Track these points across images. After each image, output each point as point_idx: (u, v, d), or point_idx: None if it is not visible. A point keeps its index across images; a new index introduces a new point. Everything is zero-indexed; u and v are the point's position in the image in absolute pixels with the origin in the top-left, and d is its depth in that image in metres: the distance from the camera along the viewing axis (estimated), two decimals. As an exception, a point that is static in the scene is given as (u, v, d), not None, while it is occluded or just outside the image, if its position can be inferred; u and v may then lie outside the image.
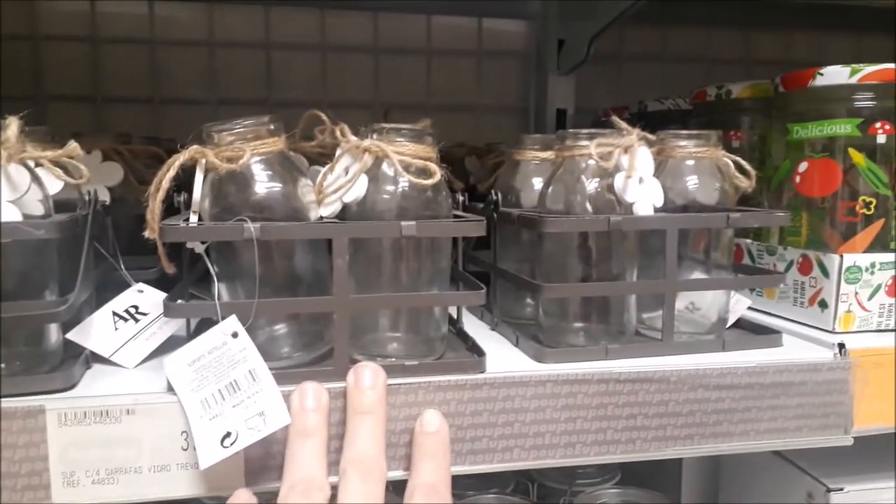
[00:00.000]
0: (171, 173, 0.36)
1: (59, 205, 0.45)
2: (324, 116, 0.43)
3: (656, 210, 0.47)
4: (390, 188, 0.41)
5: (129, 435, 0.38)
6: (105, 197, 0.53)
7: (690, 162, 0.49)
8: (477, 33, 1.08)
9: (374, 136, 0.41)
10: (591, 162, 0.46)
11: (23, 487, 0.38)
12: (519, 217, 0.48)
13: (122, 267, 0.49)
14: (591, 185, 0.48)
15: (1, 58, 0.92)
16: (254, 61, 1.02)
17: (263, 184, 0.39)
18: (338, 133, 0.41)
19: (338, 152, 0.42)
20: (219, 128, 0.38)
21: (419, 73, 1.08)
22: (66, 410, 0.38)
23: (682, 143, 0.49)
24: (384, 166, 0.41)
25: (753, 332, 0.52)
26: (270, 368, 0.41)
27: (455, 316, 0.49)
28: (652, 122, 0.61)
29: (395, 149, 0.40)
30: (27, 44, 0.95)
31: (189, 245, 0.42)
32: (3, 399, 0.37)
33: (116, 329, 0.45)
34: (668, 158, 0.50)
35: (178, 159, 0.36)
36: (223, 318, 0.38)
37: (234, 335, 0.38)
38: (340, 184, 0.40)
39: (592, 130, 0.47)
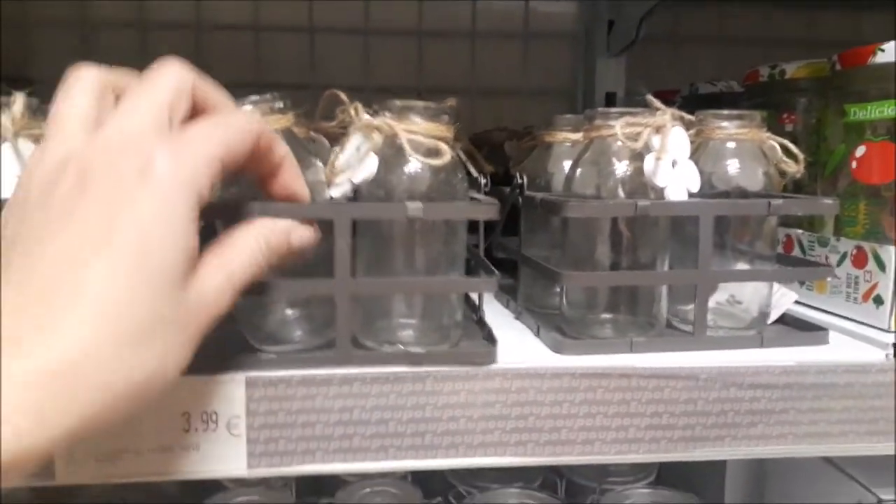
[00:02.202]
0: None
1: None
2: (342, 95, 0.41)
3: (691, 196, 0.44)
4: (401, 169, 0.39)
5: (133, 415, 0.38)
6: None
7: (732, 144, 0.46)
8: (523, 15, 1.05)
9: (388, 114, 0.39)
10: (622, 143, 0.43)
11: (29, 463, 0.38)
12: (542, 201, 0.46)
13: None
14: (622, 167, 0.45)
15: (52, 41, 0.94)
16: (297, 45, 1.01)
17: None
18: (352, 112, 0.39)
19: (350, 131, 0.41)
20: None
21: (464, 56, 1.05)
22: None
23: (723, 123, 0.46)
24: (395, 146, 0.39)
25: (798, 328, 0.48)
26: (273, 352, 0.41)
27: (477, 304, 0.47)
28: (703, 105, 0.57)
29: (406, 127, 0.38)
30: (75, 30, 0.97)
31: None
32: None
33: None
34: (708, 140, 0.47)
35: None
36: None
37: None
38: (350, 164, 0.38)
39: (624, 109, 0.44)
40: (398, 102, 0.39)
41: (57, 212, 0.28)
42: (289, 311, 0.42)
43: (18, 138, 0.38)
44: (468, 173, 0.63)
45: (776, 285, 0.49)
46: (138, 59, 0.37)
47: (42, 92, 0.88)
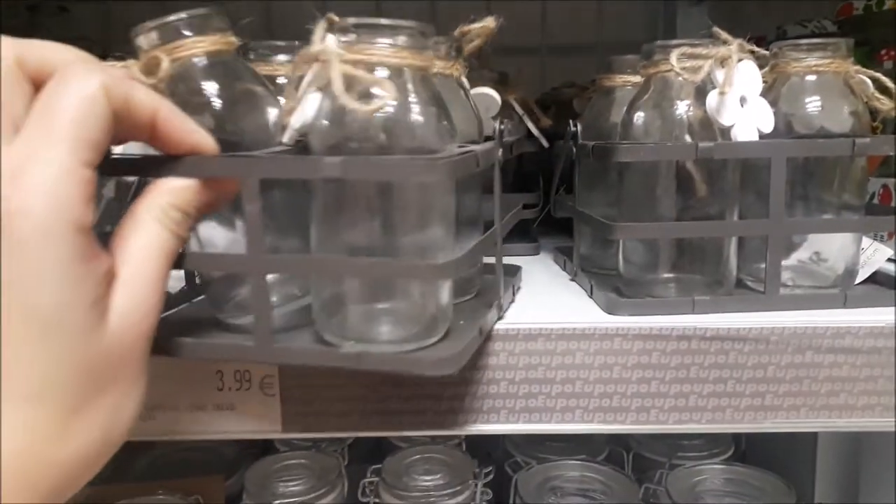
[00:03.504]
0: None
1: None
2: (335, 18, 0.31)
3: (763, 137, 0.39)
4: (345, 112, 0.30)
5: (164, 373, 0.37)
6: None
7: (812, 78, 0.40)
8: (597, -37, 0.99)
9: (345, 37, 0.30)
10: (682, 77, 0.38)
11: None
12: (594, 148, 0.42)
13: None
14: (683, 107, 0.40)
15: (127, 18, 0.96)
16: (365, 4, 1.00)
17: (189, 98, 0.32)
18: (315, 38, 0.30)
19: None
20: (143, 27, 0.32)
21: (533, 11, 1.01)
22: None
23: (801, 55, 0.40)
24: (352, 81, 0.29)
25: (892, 287, 0.42)
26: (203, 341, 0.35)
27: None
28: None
29: (357, 56, 0.29)
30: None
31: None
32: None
33: None
34: (786, 77, 0.41)
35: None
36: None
37: None
38: (292, 105, 0.31)
39: (685, 41, 0.40)
40: (351, 20, 0.30)
41: None
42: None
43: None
44: (527, 129, 0.60)
45: (867, 240, 0.43)
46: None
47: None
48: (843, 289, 0.41)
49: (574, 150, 0.46)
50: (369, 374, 0.34)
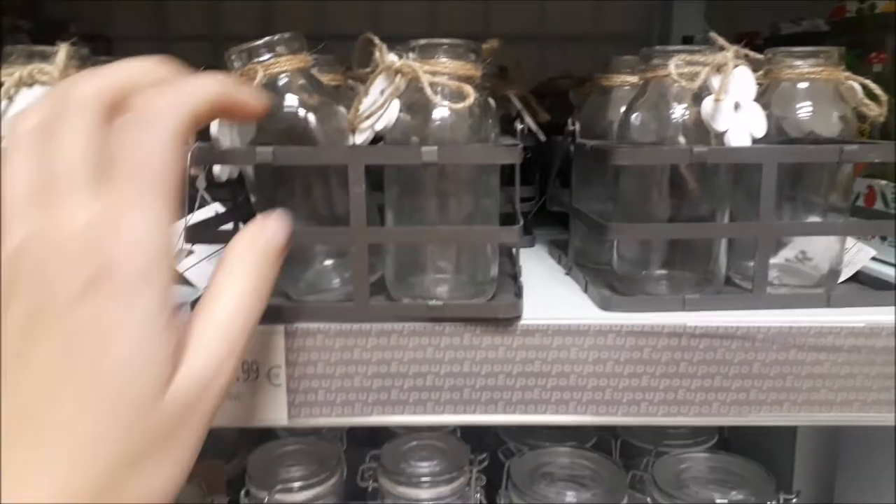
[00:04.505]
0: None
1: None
2: (376, 39, 0.40)
3: (756, 142, 0.40)
4: (425, 113, 0.37)
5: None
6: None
7: (804, 85, 0.42)
8: (595, -46, 1.00)
9: (412, 54, 0.37)
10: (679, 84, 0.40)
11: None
12: (592, 148, 0.43)
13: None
14: (681, 111, 0.42)
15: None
16: (365, 4, 1.00)
17: (280, 106, 0.37)
18: (377, 54, 0.38)
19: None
20: (236, 49, 0.37)
21: (533, 4, 1.01)
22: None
23: (795, 62, 0.42)
24: (419, 89, 0.37)
25: (873, 287, 0.44)
26: (296, 303, 0.41)
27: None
28: (786, 46, 0.52)
29: (430, 68, 0.36)
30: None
31: (216, 173, 0.41)
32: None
33: (192, 248, 0.45)
34: (779, 81, 0.43)
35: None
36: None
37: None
38: (373, 110, 0.37)
39: (685, 47, 0.41)
40: (422, 41, 0.37)
41: (10, 339, 0.24)
42: (327, 262, 0.42)
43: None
44: (522, 122, 0.61)
45: (851, 240, 0.45)
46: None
47: (118, 50, 0.90)
48: (827, 289, 0.43)
49: (572, 147, 0.48)
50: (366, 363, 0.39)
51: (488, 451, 0.63)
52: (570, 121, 0.48)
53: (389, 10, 1.00)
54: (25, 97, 0.39)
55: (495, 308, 0.39)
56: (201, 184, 0.40)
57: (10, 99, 0.39)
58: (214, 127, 0.39)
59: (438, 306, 0.38)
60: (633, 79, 0.50)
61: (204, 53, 0.99)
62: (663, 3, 0.97)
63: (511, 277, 0.44)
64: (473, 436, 0.65)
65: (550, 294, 0.44)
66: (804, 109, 0.42)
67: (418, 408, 0.40)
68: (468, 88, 0.35)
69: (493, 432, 0.67)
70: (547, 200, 0.58)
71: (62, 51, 0.38)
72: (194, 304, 0.37)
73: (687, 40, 0.95)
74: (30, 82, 0.39)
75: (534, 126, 0.60)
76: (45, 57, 0.39)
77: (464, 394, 0.39)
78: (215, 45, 1.00)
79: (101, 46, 0.93)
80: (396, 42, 0.40)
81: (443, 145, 0.36)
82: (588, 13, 1.01)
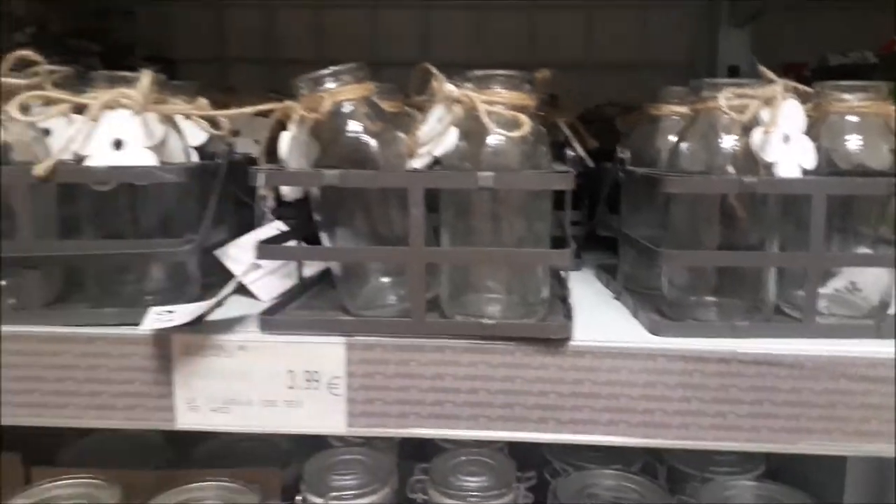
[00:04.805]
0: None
1: (208, 156, 0.49)
2: (433, 69, 0.42)
3: (806, 173, 0.41)
4: (481, 141, 0.39)
5: (241, 369, 0.41)
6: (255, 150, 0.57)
7: (853, 118, 0.43)
8: (642, -17, 1.01)
9: (469, 84, 0.39)
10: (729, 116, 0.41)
11: (153, 408, 0.42)
12: (643, 176, 0.44)
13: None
14: (729, 142, 0.43)
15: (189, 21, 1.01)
16: (411, 21, 1.03)
17: (344, 131, 0.40)
18: (434, 84, 0.40)
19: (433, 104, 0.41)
20: (305, 77, 0.40)
21: (578, 29, 1.03)
22: (188, 341, 0.41)
23: (844, 95, 0.42)
24: (476, 117, 0.39)
25: (924, 319, 0.44)
26: (356, 317, 0.43)
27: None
28: (833, 78, 0.53)
29: (486, 98, 0.38)
30: (211, 10, 1.04)
31: (283, 193, 0.43)
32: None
33: (260, 263, 0.47)
34: (828, 115, 0.44)
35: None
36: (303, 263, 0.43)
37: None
38: (432, 136, 0.39)
39: (734, 80, 0.42)
40: (478, 73, 0.39)
41: None
42: (383, 279, 0.44)
43: (147, 113, 0.41)
44: (573, 149, 0.63)
45: (902, 272, 0.45)
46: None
47: (180, 72, 0.94)
48: (878, 320, 0.43)
49: (621, 174, 0.49)
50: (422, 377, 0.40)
51: (534, 469, 0.63)
52: (618, 148, 0.49)
53: (437, 32, 1.03)
54: (109, 119, 0.42)
55: (546, 328, 0.40)
56: (270, 204, 0.43)
57: (95, 120, 0.42)
58: (283, 150, 0.42)
59: (491, 325, 0.40)
60: (682, 109, 0.51)
61: (262, 76, 1.04)
62: (709, 33, 0.98)
63: (560, 299, 0.45)
64: (519, 453, 0.66)
65: (600, 317, 0.45)
66: (853, 142, 0.43)
67: (471, 423, 0.41)
68: (523, 118, 0.37)
69: (538, 451, 0.68)
70: (597, 225, 0.59)
71: (145, 77, 0.41)
72: (200, 317, 0.40)
73: (733, 70, 0.95)
74: (114, 105, 0.42)
75: (583, 153, 0.62)
76: (128, 82, 0.42)
77: (515, 411, 0.41)
78: (272, 67, 1.03)
79: (164, 68, 0.97)
80: (446, 67, 0.42)
81: (498, 171, 0.38)
82: (633, 41, 1.02)
